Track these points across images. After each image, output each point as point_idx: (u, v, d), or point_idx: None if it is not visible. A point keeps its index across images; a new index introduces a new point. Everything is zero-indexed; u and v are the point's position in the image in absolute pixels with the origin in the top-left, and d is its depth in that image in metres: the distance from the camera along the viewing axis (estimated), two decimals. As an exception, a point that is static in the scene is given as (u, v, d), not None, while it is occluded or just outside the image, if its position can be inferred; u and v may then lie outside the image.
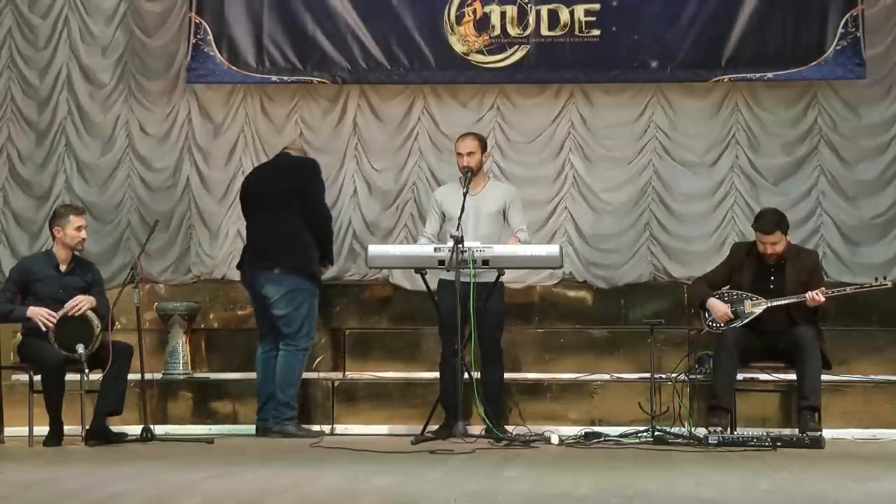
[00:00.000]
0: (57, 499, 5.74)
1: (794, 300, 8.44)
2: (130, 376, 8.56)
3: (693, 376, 8.76)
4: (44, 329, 8.28)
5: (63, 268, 8.59)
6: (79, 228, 8.57)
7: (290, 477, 6.47)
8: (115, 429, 8.45)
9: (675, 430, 8.35)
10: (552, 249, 8.51)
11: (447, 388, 8.42)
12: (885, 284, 8.60)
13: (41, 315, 8.31)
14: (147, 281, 10.00)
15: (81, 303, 8.37)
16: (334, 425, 9.25)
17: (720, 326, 8.55)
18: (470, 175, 8.68)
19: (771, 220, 8.59)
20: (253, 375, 9.04)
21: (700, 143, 10.22)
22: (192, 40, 10.11)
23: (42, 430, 8.33)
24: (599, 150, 10.26)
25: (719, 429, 8.16)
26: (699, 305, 8.73)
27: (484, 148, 8.88)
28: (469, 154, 8.73)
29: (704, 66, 9.98)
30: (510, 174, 10.09)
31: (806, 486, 6.15)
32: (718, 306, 8.58)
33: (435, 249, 8.37)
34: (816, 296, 8.37)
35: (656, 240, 10.17)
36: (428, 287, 8.57)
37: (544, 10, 10.02)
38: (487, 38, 10.07)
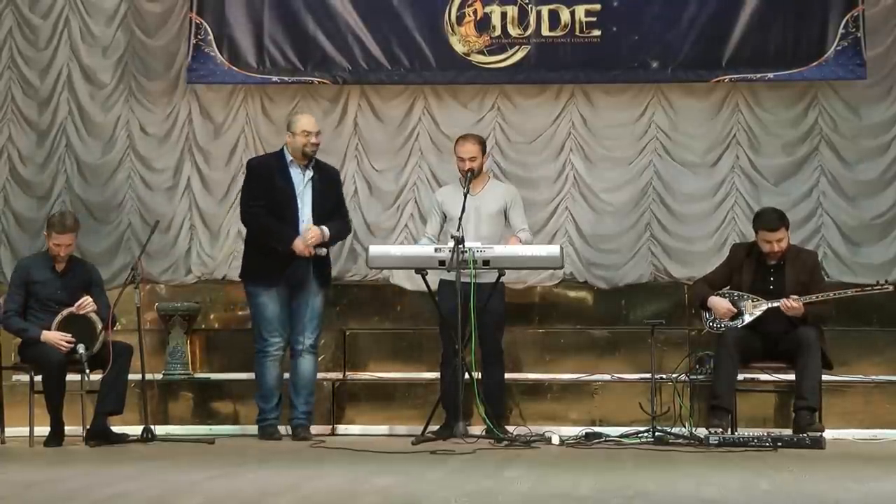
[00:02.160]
0: (57, 499, 5.75)
1: (773, 306, 8.42)
2: (131, 377, 8.57)
3: (694, 377, 8.75)
4: (63, 351, 8.27)
5: (60, 269, 8.58)
6: (58, 245, 8.53)
7: (291, 477, 6.47)
8: (115, 429, 8.45)
9: (675, 430, 8.35)
10: (553, 250, 8.52)
11: (448, 388, 8.42)
12: (886, 288, 8.58)
13: (58, 341, 8.29)
14: (148, 281, 10.00)
15: (86, 304, 8.37)
16: (335, 425, 9.25)
17: (722, 325, 8.54)
18: (470, 176, 8.69)
19: (774, 217, 8.58)
20: (253, 376, 9.01)
21: (701, 143, 10.23)
22: (193, 41, 10.11)
23: (43, 430, 8.33)
24: (600, 150, 10.26)
25: (720, 429, 8.16)
26: (700, 305, 8.72)
27: (484, 150, 8.90)
28: (471, 158, 8.73)
29: (705, 67, 9.99)
30: (511, 174, 10.09)
31: (806, 487, 6.15)
32: (720, 303, 8.57)
33: (436, 250, 8.38)
34: (790, 303, 8.33)
35: (657, 240, 10.17)
36: (429, 287, 8.57)
37: (545, 10, 10.02)
38: (488, 38, 10.08)
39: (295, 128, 8.79)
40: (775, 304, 8.46)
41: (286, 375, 8.81)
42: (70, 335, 8.30)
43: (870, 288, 8.62)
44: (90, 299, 8.44)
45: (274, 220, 8.68)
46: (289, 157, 8.79)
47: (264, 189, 8.75)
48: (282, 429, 8.70)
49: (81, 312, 8.36)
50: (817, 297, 8.44)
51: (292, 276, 8.68)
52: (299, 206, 8.71)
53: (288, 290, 8.70)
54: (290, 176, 8.75)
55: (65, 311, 8.37)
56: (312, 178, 8.77)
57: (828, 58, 9.86)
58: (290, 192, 8.72)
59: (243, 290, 8.93)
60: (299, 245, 8.61)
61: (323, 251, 8.70)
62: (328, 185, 8.87)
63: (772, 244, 8.53)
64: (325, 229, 8.67)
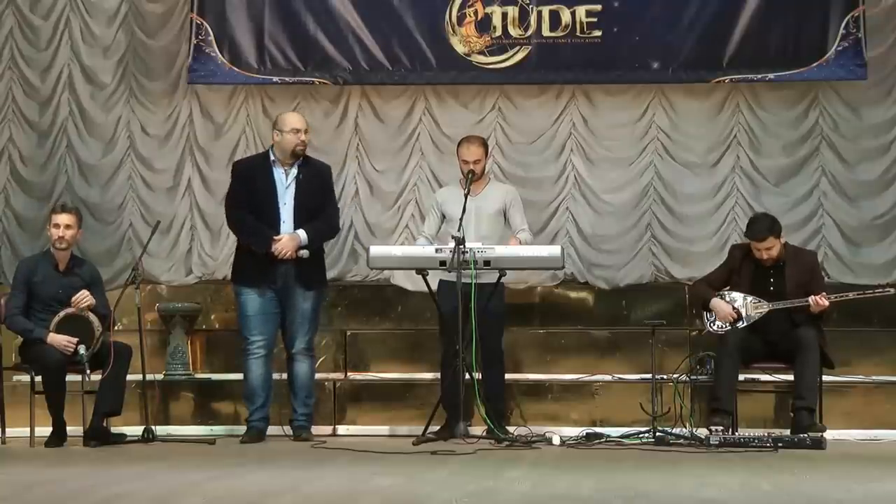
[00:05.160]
0: (58, 499, 5.75)
1: (798, 304, 8.43)
2: (132, 377, 8.57)
3: (694, 377, 8.75)
4: (69, 353, 8.27)
5: (62, 267, 8.58)
6: (57, 226, 8.53)
7: (292, 478, 6.48)
8: (115, 429, 8.46)
9: (676, 430, 8.35)
10: (553, 250, 8.53)
11: (448, 388, 8.42)
12: (888, 291, 8.59)
13: (63, 344, 8.29)
14: (148, 282, 10.01)
15: (84, 299, 8.37)
16: (336, 426, 9.25)
17: (723, 327, 8.55)
18: (472, 177, 8.70)
19: (762, 227, 8.56)
20: (254, 376, 9.03)
21: (701, 143, 10.23)
22: (194, 41, 10.11)
23: (43, 430, 8.33)
24: (601, 150, 10.26)
25: (720, 429, 8.16)
26: (702, 306, 8.73)
27: (487, 151, 8.95)
28: (476, 161, 8.75)
29: (706, 67, 9.98)
30: (511, 175, 10.10)
31: (807, 487, 6.15)
32: (722, 306, 8.57)
33: (437, 250, 8.38)
34: (821, 300, 8.36)
35: (657, 240, 10.18)
36: (429, 288, 8.58)
37: (546, 10, 10.02)
38: (489, 38, 10.08)
39: (283, 126, 8.68)
40: (778, 306, 8.47)
41: (280, 376, 8.79)
42: (74, 338, 8.30)
43: (871, 292, 8.64)
44: (87, 293, 8.43)
45: (254, 222, 8.62)
46: (273, 157, 8.70)
47: (246, 191, 8.68)
48: (277, 429, 8.69)
49: (81, 307, 8.36)
50: (838, 297, 8.47)
51: (276, 279, 8.59)
52: (280, 207, 8.61)
53: (274, 292, 8.63)
54: (272, 177, 8.64)
55: (62, 312, 8.37)
56: (297, 177, 8.66)
57: (828, 58, 9.86)
58: (272, 193, 8.63)
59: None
60: (277, 247, 8.52)
61: (305, 253, 8.58)
62: (314, 182, 8.74)
63: (761, 252, 8.54)
64: (302, 234, 8.59)
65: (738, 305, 8.54)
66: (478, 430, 8.39)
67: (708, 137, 10.22)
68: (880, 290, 8.64)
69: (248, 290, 8.64)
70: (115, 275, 10.00)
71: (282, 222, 8.60)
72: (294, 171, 8.68)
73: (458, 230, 8.35)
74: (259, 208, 8.62)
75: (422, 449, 7.84)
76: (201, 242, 10.31)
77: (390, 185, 10.33)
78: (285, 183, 8.66)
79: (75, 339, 8.28)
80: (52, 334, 8.32)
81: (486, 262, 8.29)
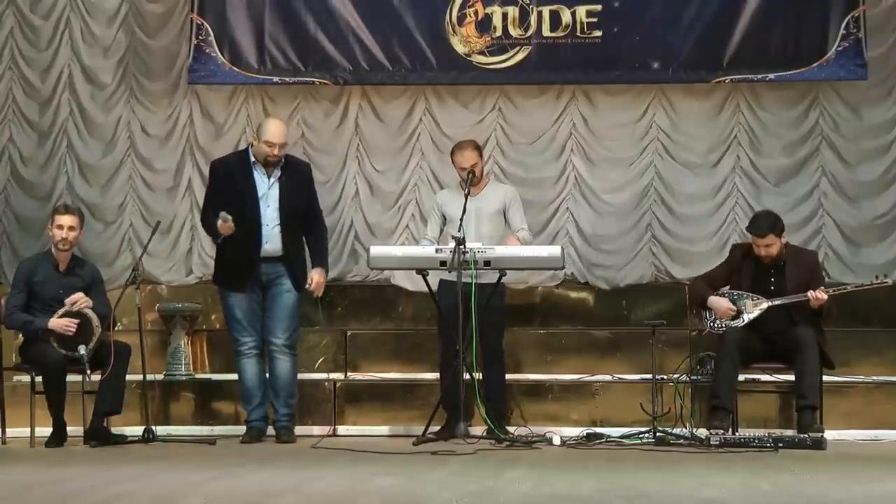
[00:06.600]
0: (59, 500, 5.75)
1: (797, 300, 8.44)
2: (133, 377, 8.57)
3: (694, 377, 8.76)
4: (70, 333, 8.28)
5: (62, 267, 8.59)
6: (60, 227, 8.54)
7: (292, 478, 6.48)
8: (116, 430, 8.46)
9: (676, 431, 8.35)
10: (554, 250, 8.54)
11: (448, 388, 8.43)
12: (886, 282, 8.62)
13: (63, 326, 8.29)
14: (149, 282, 10.01)
15: (80, 300, 8.37)
16: (336, 426, 9.25)
17: (722, 325, 8.55)
18: (471, 178, 8.71)
19: (764, 224, 8.58)
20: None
21: (701, 143, 10.23)
22: (194, 41, 10.11)
23: (44, 431, 8.33)
24: (601, 151, 10.26)
25: (721, 430, 8.16)
26: (700, 305, 8.73)
27: (481, 153, 8.94)
28: (472, 166, 8.76)
29: (706, 67, 9.98)
30: (512, 175, 10.10)
31: (807, 487, 6.16)
32: (720, 303, 8.58)
33: (437, 250, 8.39)
34: (819, 294, 8.37)
35: (658, 241, 10.18)
36: (430, 288, 8.59)
37: (546, 10, 10.02)
38: (489, 38, 10.08)
39: (262, 135, 8.62)
40: (776, 303, 8.47)
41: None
42: (75, 319, 8.30)
43: (870, 284, 8.66)
44: (82, 294, 8.43)
45: (211, 219, 8.57)
46: (252, 158, 8.66)
47: (226, 192, 8.61)
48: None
49: (76, 309, 8.36)
50: (836, 291, 8.48)
51: (262, 278, 8.59)
52: (262, 208, 8.56)
53: (260, 291, 8.63)
54: (252, 177, 8.60)
55: (60, 311, 8.37)
56: (280, 178, 8.63)
57: (829, 58, 9.86)
58: (253, 194, 8.57)
59: None
60: (315, 287, 8.60)
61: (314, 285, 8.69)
62: (297, 182, 8.70)
63: (760, 249, 8.56)
64: (322, 271, 8.69)
65: (736, 302, 8.55)
66: (478, 430, 8.39)
67: (708, 137, 10.22)
68: (878, 282, 8.64)
69: (233, 294, 8.63)
70: (116, 275, 10.00)
71: (265, 225, 8.57)
72: (276, 171, 8.65)
73: (459, 231, 8.35)
74: (240, 210, 8.53)
75: (422, 449, 7.84)
76: (201, 243, 10.31)
77: (390, 186, 10.33)
78: (267, 183, 8.62)
79: (76, 321, 8.28)
80: (52, 320, 8.31)
81: (487, 263, 8.29)
